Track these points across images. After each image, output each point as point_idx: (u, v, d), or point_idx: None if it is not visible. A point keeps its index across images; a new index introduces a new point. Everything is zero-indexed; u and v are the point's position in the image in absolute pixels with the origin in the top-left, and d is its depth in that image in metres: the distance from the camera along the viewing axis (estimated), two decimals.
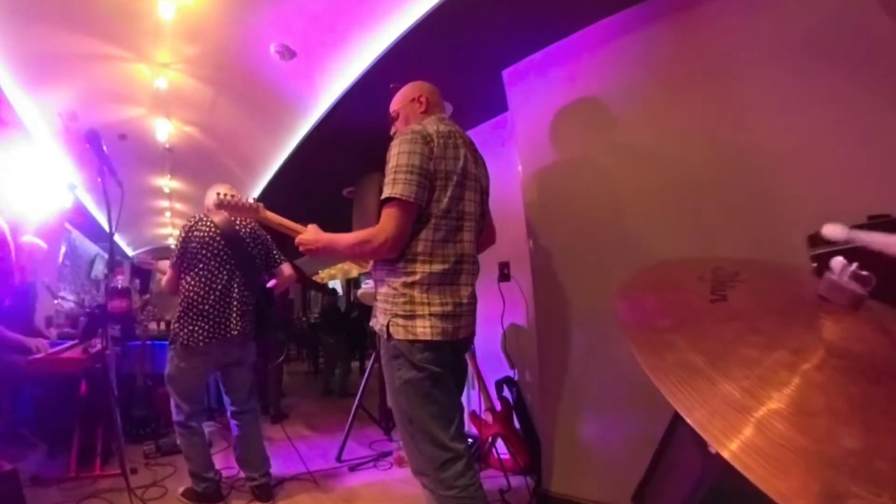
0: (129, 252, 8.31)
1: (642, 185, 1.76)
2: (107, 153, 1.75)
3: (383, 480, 2.55)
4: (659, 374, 0.62)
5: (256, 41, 2.67)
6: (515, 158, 2.24)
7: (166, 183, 5.42)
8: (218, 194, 1.50)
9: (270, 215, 1.49)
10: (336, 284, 12.76)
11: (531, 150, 2.17)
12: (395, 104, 1.58)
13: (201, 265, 2.19)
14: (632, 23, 1.84)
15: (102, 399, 2.50)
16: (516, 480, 2.22)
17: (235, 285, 2.22)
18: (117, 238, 7.34)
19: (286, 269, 2.42)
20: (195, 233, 2.22)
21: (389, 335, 1.30)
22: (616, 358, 1.65)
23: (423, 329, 1.29)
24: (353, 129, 3.22)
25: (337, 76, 2.85)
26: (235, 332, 2.17)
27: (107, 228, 1.79)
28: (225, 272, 2.21)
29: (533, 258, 2.09)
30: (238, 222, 2.32)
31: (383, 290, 1.35)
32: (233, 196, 1.50)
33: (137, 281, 4.05)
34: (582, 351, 1.86)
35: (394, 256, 1.31)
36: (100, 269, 6.38)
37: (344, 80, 2.86)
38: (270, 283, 2.41)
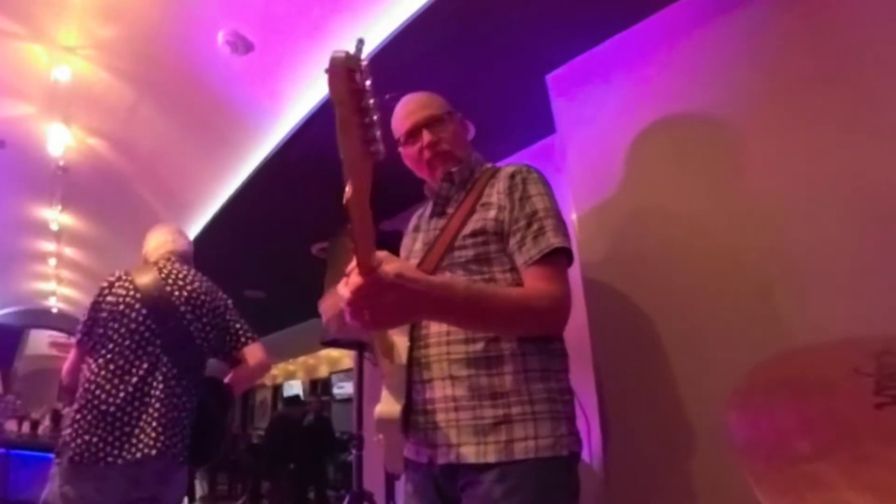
0: None
1: (759, 234, 1.68)
2: None
3: None
4: None
5: (199, 26, 2.77)
6: (567, 202, 2.19)
7: (55, 216, 5.46)
8: (351, 57, 0.95)
9: (366, 198, 1.05)
10: (295, 387, 12.59)
11: (590, 189, 2.13)
12: (442, 106, 1.61)
13: (111, 345, 2.17)
14: (728, 1, 1.85)
15: None
16: None
17: (160, 378, 2.17)
18: None
19: (256, 352, 2.39)
20: (109, 298, 2.23)
21: (569, 450, 1.35)
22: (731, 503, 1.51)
23: (580, 433, 1.44)
24: (331, 158, 3.23)
25: (310, 80, 2.95)
26: (151, 451, 2.09)
27: None
28: (145, 357, 2.17)
29: (596, 350, 1.98)
30: (171, 282, 2.34)
31: (539, 385, 1.38)
32: (370, 90, 0.97)
33: None
34: (676, 496, 1.70)
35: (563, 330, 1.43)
36: None
37: (320, 85, 2.94)
38: (228, 378, 2.37)
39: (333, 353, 10.31)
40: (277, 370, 13.79)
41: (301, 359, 12.62)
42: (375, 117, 0.94)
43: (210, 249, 4.99)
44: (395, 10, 2.50)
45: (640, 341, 1.86)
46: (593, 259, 2.06)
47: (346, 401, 9.32)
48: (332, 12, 2.59)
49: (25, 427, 3.88)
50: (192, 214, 4.72)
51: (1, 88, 3.44)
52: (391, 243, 3.25)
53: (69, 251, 6.40)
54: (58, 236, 6.02)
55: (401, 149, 1.61)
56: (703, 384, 1.66)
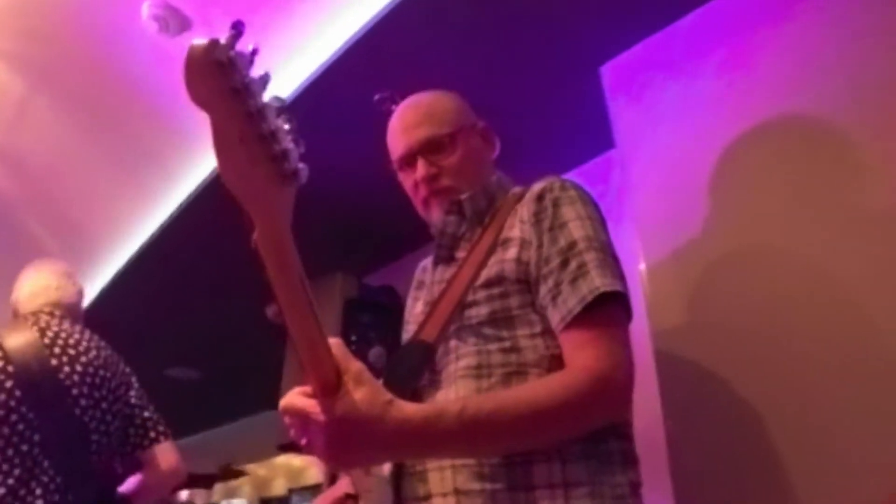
0: None
1: None
2: None
3: None
4: None
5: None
6: (632, 241, 2.15)
7: None
8: (214, 45, 0.89)
9: (287, 243, 0.99)
10: None
11: (663, 228, 2.11)
12: (448, 121, 1.59)
13: None
14: None
15: None
16: None
17: (38, 490, 2.15)
18: None
19: (168, 453, 2.44)
20: None
21: None
22: None
23: None
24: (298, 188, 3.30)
25: (271, 70, 2.96)
26: None
27: None
28: (17, 460, 2.16)
29: (674, 451, 1.93)
30: (59, 350, 2.31)
31: (581, 491, 1.28)
32: (256, 86, 0.92)
33: None
34: None
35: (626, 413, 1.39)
36: None
37: (285, 79, 2.98)
38: (127, 486, 2.36)
39: (294, 461, 10.15)
40: (218, 488, 13.64)
41: (249, 467, 12.49)
42: (285, 125, 0.91)
43: (122, 306, 5.12)
44: None
45: (737, 439, 1.80)
46: (668, 324, 2.03)
47: None
48: None
49: None
50: (100, 256, 4.77)
51: None
52: (371, 307, 3.23)
53: None
54: None
55: (399, 174, 1.62)
56: (832, 495, 1.58)
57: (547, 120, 2.80)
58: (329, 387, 1.01)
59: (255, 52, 0.87)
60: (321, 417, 0.99)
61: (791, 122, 1.88)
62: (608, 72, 2.32)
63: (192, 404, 7.85)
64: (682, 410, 1.93)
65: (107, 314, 5.08)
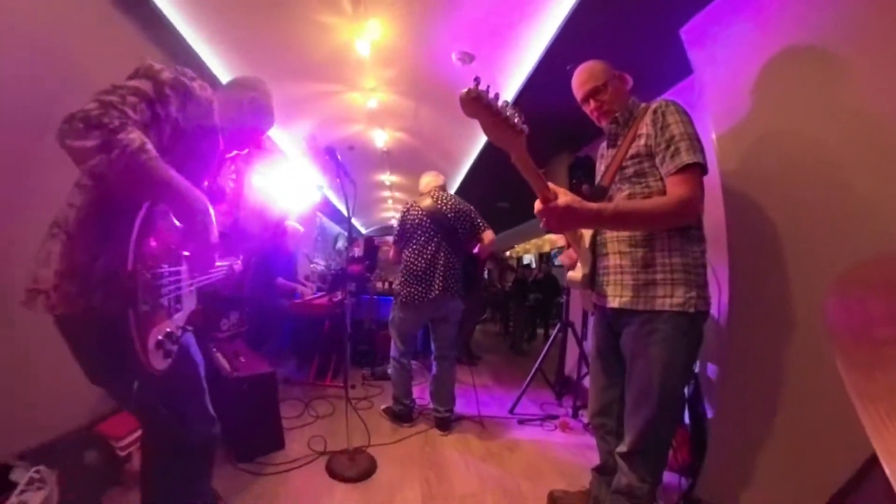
0: (363, 230, 9.86)
1: (863, 148, 1.26)
2: (341, 161, 2.00)
3: (545, 440, 2.46)
4: (864, 400, 0.49)
5: (440, 54, 2.78)
6: (707, 126, 1.82)
7: (387, 178, 6.09)
8: (470, 91, 0.91)
9: (527, 158, 1.03)
10: (530, 258, 12.75)
11: (725, 115, 1.76)
12: (601, 76, 1.48)
13: (414, 240, 2.45)
14: None
15: (338, 334, 3.09)
16: (668, 477, 1.72)
17: (442, 253, 2.42)
18: (354, 221, 8.39)
19: (488, 235, 2.51)
20: (408, 217, 2.49)
21: (696, 309, 1.25)
22: (822, 370, 1.26)
23: (709, 298, 1.30)
24: (538, 116, 3.08)
25: (514, 69, 2.83)
26: (438, 292, 2.35)
27: (346, 214, 2.10)
28: (433, 244, 2.42)
29: (731, 240, 1.70)
30: (440, 203, 2.48)
31: (677, 259, 1.28)
32: (494, 101, 0.92)
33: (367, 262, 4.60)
34: (782, 354, 1.43)
35: (693, 222, 1.30)
36: (341, 244, 7.77)
37: (521, 71, 2.83)
38: (475, 249, 2.55)
39: (553, 236, 10.09)
40: (519, 248, 14.01)
41: (533, 240, 12.64)
42: (510, 111, 0.95)
43: (472, 184, 5.27)
44: (559, 6, 2.27)
45: (764, 233, 1.56)
46: (730, 168, 1.75)
47: (560, 267, 9.14)
48: (518, 22, 2.44)
49: (385, 285, 4.45)
50: (460, 164, 4.88)
51: (343, 119, 3.83)
52: (581, 167, 3.05)
53: (397, 194, 7.05)
54: (390, 188, 6.68)
55: (582, 105, 1.53)
56: (812, 270, 1.37)
57: (654, 64, 2.37)
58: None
59: (489, 86, 0.93)
60: (556, 206, 1.10)
61: (800, 48, 1.48)
62: (685, 32, 1.93)
63: (507, 217, 8.13)
64: (736, 214, 1.69)
65: (471, 182, 5.24)
